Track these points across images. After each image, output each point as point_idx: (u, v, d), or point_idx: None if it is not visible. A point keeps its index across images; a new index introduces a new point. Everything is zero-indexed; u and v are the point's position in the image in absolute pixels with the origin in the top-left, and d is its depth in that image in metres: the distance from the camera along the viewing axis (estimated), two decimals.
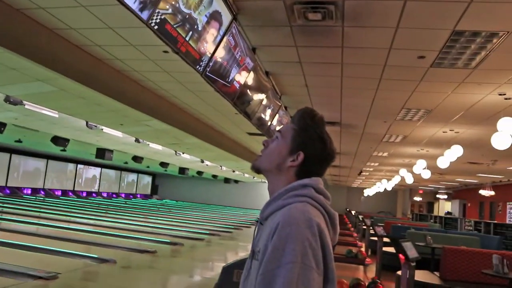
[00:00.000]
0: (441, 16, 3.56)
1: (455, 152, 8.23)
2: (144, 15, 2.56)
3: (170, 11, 2.77)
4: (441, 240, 7.86)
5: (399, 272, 5.78)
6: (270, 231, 1.14)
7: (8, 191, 19.97)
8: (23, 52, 4.29)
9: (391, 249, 8.45)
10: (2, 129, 10.00)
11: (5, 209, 13.79)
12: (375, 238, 9.90)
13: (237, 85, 4.47)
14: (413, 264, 4.36)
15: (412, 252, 4.30)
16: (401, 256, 4.53)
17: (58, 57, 4.77)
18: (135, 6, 2.48)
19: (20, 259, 6.52)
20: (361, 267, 8.40)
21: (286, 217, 1.13)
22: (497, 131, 5.82)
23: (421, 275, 5.88)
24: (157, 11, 2.65)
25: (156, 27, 2.70)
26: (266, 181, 1.36)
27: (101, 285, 6.00)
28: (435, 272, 6.43)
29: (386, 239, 8.33)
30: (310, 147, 1.28)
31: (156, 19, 2.67)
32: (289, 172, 1.29)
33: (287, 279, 1.04)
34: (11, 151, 19.73)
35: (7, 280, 5.30)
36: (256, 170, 1.35)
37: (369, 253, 9.85)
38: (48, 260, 6.90)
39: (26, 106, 7.76)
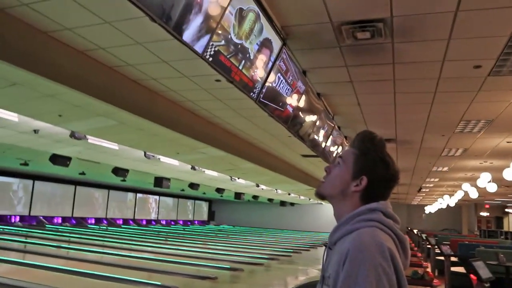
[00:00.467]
0: (495, 23, 3.45)
1: None
2: (199, 48, 2.67)
3: (223, 42, 2.88)
4: None
5: None
6: (340, 257, 1.14)
7: (74, 221, 20.97)
8: (86, 90, 4.58)
9: (459, 269, 8.02)
10: (68, 162, 10.58)
11: (72, 239, 14.46)
12: (442, 258, 9.46)
13: (290, 109, 4.51)
14: (487, 285, 4.12)
15: (484, 272, 4.07)
16: (472, 276, 4.29)
17: (117, 92, 5.04)
18: (190, 40, 2.60)
19: (86, 287, 6.78)
20: None
21: (357, 243, 1.13)
22: None
23: None
24: (211, 43, 2.76)
25: (210, 59, 2.81)
26: (328, 204, 1.36)
27: None
28: None
29: (453, 259, 7.93)
30: (373, 171, 1.28)
31: (211, 51, 2.78)
32: (353, 197, 1.28)
33: None
34: (76, 183, 20.80)
35: None
36: (320, 196, 1.35)
37: (436, 273, 9.39)
38: (112, 287, 7.13)
39: (89, 140, 8.20)
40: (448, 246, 7.66)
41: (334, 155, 7.57)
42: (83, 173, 15.12)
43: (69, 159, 10.52)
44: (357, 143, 1.34)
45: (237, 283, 8.96)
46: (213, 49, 2.79)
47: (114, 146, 9.04)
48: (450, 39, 3.75)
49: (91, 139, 8.21)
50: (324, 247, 1.34)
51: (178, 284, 7.33)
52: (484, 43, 3.83)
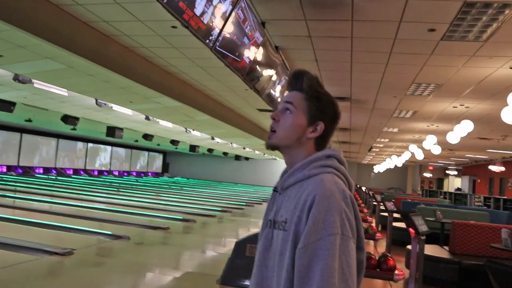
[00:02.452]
0: None
1: (465, 127, 8.15)
2: None
3: None
4: (451, 215, 7.86)
5: (409, 247, 5.82)
6: (300, 202, 1.15)
7: (20, 171, 20.26)
8: (30, 29, 4.29)
9: (401, 224, 8.49)
10: (12, 108, 10.07)
11: (18, 188, 14.02)
12: (386, 214, 9.96)
13: (247, 60, 4.45)
14: (423, 238, 4.38)
15: (422, 226, 4.32)
16: (411, 230, 4.55)
17: (65, 34, 4.76)
18: None
19: (36, 236, 6.66)
20: (372, 241, 8.44)
21: (323, 189, 1.13)
22: (508, 105, 5.73)
23: (430, 249, 5.91)
24: None
25: (165, 0, 2.68)
26: (283, 159, 1.33)
27: (116, 261, 6.12)
28: (445, 247, 6.46)
29: (396, 215, 8.37)
30: (326, 115, 1.27)
31: None
32: (308, 143, 1.27)
33: (330, 250, 1.07)
34: (22, 130, 19.92)
35: (24, 255, 5.43)
36: (273, 147, 1.30)
37: (380, 228, 9.91)
38: (62, 237, 7.05)
39: (35, 85, 7.79)
40: (392, 203, 8.05)
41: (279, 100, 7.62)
42: (29, 120, 14.46)
43: (13, 104, 10.01)
44: (306, 87, 1.28)
45: (189, 234, 9.09)
46: None
47: (63, 92, 8.65)
48: None
49: (38, 84, 7.80)
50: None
51: (129, 234, 7.34)
52: (440, 6, 3.88)
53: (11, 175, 19.02)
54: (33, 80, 7.56)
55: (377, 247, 8.09)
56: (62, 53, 5.10)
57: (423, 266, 4.44)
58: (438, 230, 7.31)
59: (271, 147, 1.30)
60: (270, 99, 6.36)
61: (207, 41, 3.45)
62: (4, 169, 19.65)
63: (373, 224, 9.10)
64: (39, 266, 5.28)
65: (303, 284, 1.08)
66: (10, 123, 17.38)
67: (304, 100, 1.27)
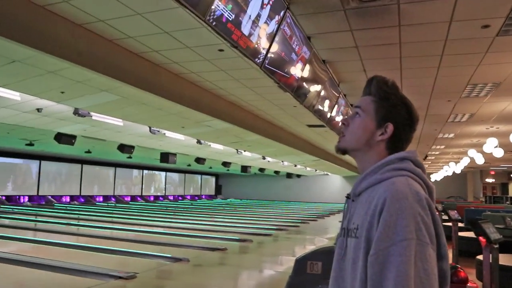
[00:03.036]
0: None
1: None
2: (200, 12, 2.60)
3: (226, 6, 2.80)
4: None
5: (479, 257, 5.49)
6: (371, 207, 1.10)
7: (82, 200, 21.21)
8: (87, 64, 4.53)
9: (466, 234, 8.06)
10: (73, 141, 10.61)
11: (81, 216, 14.64)
12: (449, 224, 9.50)
13: (295, 76, 4.45)
14: (496, 246, 4.12)
15: (494, 234, 4.07)
16: (481, 239, 4.29)
17: (118, 66, 4.98)
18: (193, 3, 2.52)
19: (100, 261, 6.88)
20: None
21: (393, 192, 1.07)
22: None
23: (504, 259, 5.54)
24: (214, 7, 2.69)
25: (214, 23, 2.74)
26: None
27: (176, 283, 6.19)
28: None
29: (460, 224, 7.96)
30: (396, 116, 1.22)
31: (214, 15, 2.71)
32: (379, 146, 1.23)
33: (404, 257, 1.00)
34: (82, 162, 20.94)
35: (90, 280, 5.61)
36: (343, 151, 1.28)
37: None
38: (125, 261, 7.24)
39: (93, 117, 8.18)
40: (455, 212, 7.67)
41: (340, 123, 7.53)
42: (89, 151, 15.17)
43: (74, 137, 10.54)
44: (374, 90, 1.26)
45: (246, 254, 9.07)
46: (216, 14, 2.72)
47: (118, 122, 9.02)
48: None
49: (95, 116, 8.18)
50: (346, 199, 1.29)
51: (189, 256, 7.43)
52: (493, 1, 3.72)
53: (74, 204, 19.93)
54: (91, 113, 7.95)
55: None
56: (116, 85, 5.33)
57: (498, 277, 4.17)
58: (509, 238, 6.87)
59: (340, 150, 1.29)
60: (320, 114, 6.30)
61: (256, 59, 3.49)
62: (68, 199, 20.65)
63: None
64: None
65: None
66: (71, 155, 18.32)
67: (372, 103, 1.25)
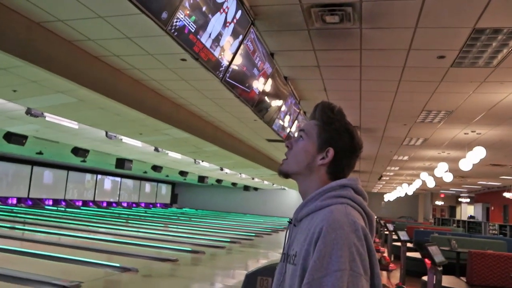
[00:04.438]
0: (460, 14, 3.51)
1: (478, 154, 8.06)
2: (163, 21, 2.57)
3: (189, 17, 2.78)
4: (466, 244, 7.69)
5: (424, 278, 5.65)
6: (309, 235, 1.09)
7: (30, 202, 20.30)
8: (43, 64, 4.36)
9: (414, 254, 8.30)
10: (24, 141, 10.17)
11: (27, 220, 14.00)
12: (398, 244, 9.76)
13: (256, 91, 4.46)
14: (440, 268, 4.26)
15: (438, 256, 4.20)
16: (427, 260, 4.43)
17: (77, 68, 4.83)
18: (155, 12, 2.49)
19: (44, 269, 6.59)
20: (385, 273, 8.27)
21: (330, 221, 1.07)
22: None
23: (447, 280, 5.73)
24: (176, 17, 2.66)
25: (175, 33, 2.71)
26: (291, 190, 1.30)
27: None
28: (461, 277, 6.27)
29: (409, 244, 8.19)
30: (338, 141, 1.23)
31: (176, 25, 2.68)
32: (320, 170, 1.23)
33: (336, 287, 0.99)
34: (33, 163, 20.09)
35: None
36: (284, 175, 1.28)
37: (392, 258, 9.69)
38: (70, 269, 6.96)
39: (46, 118, 7.88)
40: (405, 232, 7.89)
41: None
42: (40, 153, 14.58)
43: (25, 137, 10.11)
44: (318, 114, 1.27)
45: (198, 265, 8.95)
46: (178, 24, 2.69)
47: (73, 124, 8.73)
48: (417, 27, 3.78)
49: (49, 117, 7.89)
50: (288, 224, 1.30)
51: (137, 266, 7.24)
52: (449, 33, 3.89)
53: (21, 207, 19.05)
54: (45, 114, 7.65)
55: (391, 279, 7.89)
56: (73, 87, 5.16)
57: None
58: (453, 260, 7.12)
59: (282, 174, 1.29)
60: (280, 129, 6.35)
61: (217, 72, 3.47)
62: (15, 201, 19.70)
63: (386, 254, 8.91)
64: None
65: None
66: (21, 156, 17.54)
67: (316, 127, 1.26)
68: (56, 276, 5.98)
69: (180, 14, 2.67)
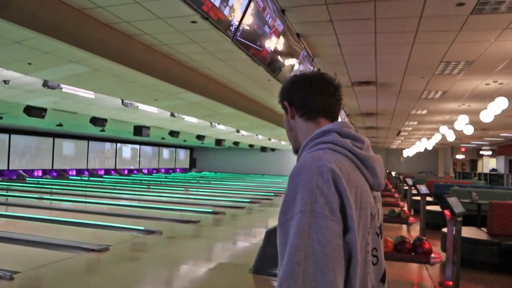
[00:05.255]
0: None
1: (500, 104, 7.87)
2: None
3: None
4: (487, 196, 7.64)
5: (444, 229, 5.69)
6: None
7: (55, 174, 20.84)
8: (55, 34, 4.36)
9: (434, 208, 8.32)
10: (43, 114, 10.34)
11: (53, 190, 14.42)
12: (417, 198, 9.77)
13: (268, 49, 4.40)
14: (460, 219, 4.27)
15: (458, 207, 4.20)
16: (446, 212, 4.43)
17: (88, 37, 4.83)
18: None
19: (72, 235, 6.84)
20: (405, 226, 8.33)
21: (297, 167, 1.09)
22: None
23: (467, 231, 5.76)
24: None
25: None
26: None
27: (150, 255, 6.22)
28: (482, 228, 6.29)
29: (429, 198, 8.19)
30: (292, 91, 1.28)
31: None
32: (298, 125, 1.28)
33: (298, 229, 1.00)
34: (54, 135, 20.47)
35: (63, 253, 5.58)
36: (295, 151, 1.31)
37: (412, 213, 9.73)
38: (98, 234, 7.21)
39: (63, 90, 7.96)
40: (424, 186, 7.87)
41: None
42: (60, 125, 14.82)
43: (44, 110, 10.27)
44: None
45: (219, 226, 9.15)
46: None
47: (90, 94, 8.81)
48: None
49: (66, 88, 7.97)
50: None
51: (162, 228, 7.45)
52: None
53: (47, 178, 19.59)
54: (61, 85, 7.73)
55: (411, 232, 7.95)
56: (87, 56, 5.17)
57: (461, 248, 4.33)
58: (474, 212, 7.12)
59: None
60: None
61: (228, 32, 3.42)
62: (40, 173, 20.25)
63: (405, 209, 8.95)
64: (78, 262, 5.42)
65: (280, 264, 1.04)
66: (42, 129, 17.87)
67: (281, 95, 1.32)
68: (85, 241, 6.21)
69: None
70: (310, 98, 1.24)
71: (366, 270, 1.11)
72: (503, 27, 4.85)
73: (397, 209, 6.81)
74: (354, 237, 1.05)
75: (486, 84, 7.94)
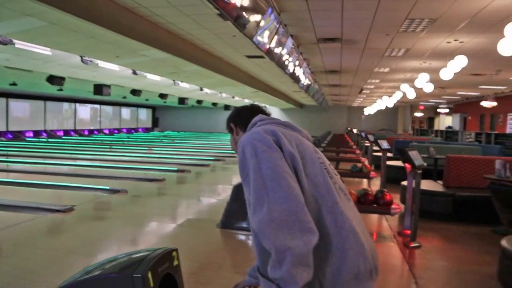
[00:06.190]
0: None
1: (460, 62, 8.07)
2: None
3: None
4: (443, 151, 7.98)
5: (404, 183, 5.94)
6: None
7: (10, 136, 20.04)
8: None
9: (393, 163, 8.65)
10: None
11: (10, 152, 13.91)
12: (378, 154, 10.09)
13: (236, 3, 4.29)
14: (420, 171, 4.46)
15: (418, 160, 4.38)
16: (407, 165, 4.62)
17: None
18: None
19: (35, 196, 6.71)
20: (366, 180, 8.65)
21: (240, 141, 1.41)
22: (504, 37, 5.65)
23: (425, 184, 6.03)
24: None
25: None
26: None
27: (116, 213, 6.21)
28: (438, 181, 6.61)
29: (388, 154, 8.48)
30: (233, 118, 1.70)
31: None
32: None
33: (253, 171, 1.28)
34: (8, 95, 19.52)
35: (26, 215, 5.48)
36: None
37: (373, 168, 10.08)
38: (61, 195, 7.11)
39: (16, 45, 7.54)
40: (385, 141, 8.12)
41: (279, 55, 7.49)
42: (14, 84, 14.08)
43: None
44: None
45: (185, 183, 9.20)
46: None
47: (46, 51, 8.39)
48: None
49: (19, 44, 7.54)
50: None
51: (126, 187, 7.40)
52: None
53: (1, 140, 18.83)
54: (14, 41, 7.31)
55: (372, 186, 8.27)
56: (43, 9, 4.87)
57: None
58: (431, 166, 7.44)
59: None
60: (260, 44, 6.21)
61: None
62: None
63: (366, 163, 9.24)
64: (42, 223, 5.35)
65: (249, 213, 1.33)
66: None
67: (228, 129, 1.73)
68: (48, 202, 6.10)
69: None
70: (248, 118, 1.60)
71: (323, 172, 1.39)
72: None
73: (359, 164, 7.04)
74: (290, 153, 1.34)
75: (448, 42, 8.10)
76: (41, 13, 5.18)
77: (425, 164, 4.56)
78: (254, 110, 1.67)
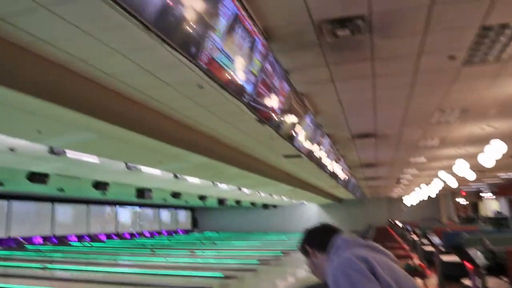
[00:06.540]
0: (467, 14, 3.60)
1: (498, 148, 8.00)
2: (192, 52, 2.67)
3: (211, 46, 2.89)
4: (498, 242, 7.54)
5: (467, 282, 5.56)
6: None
7: (55, 240, 20.44)
8: (67, 104, 4.47)
9: (448, 258, 8.16)
10: (46, 179, 10.31)
11: (55, 258, 14.08)
12: (429, 248, 9.59)
13: (277, 110, 4.55)
14: (484, 272, 4.22)
15: (480, 260, 4.18)
16: (467, 264, 4.39)
17: (99, 105, 4.94)
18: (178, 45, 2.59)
19: None
20: (419, 279, 8.13)
21: (329, 272, 1.59)
22: None
23: (489, 282, 5.65)
24: (202, 48, 2.77)
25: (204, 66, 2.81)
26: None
27: None
28: (504, 278, 6.15)
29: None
30: (307, 242, 1.87)
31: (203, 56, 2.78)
32: (321, 259, 1.79)
33: None
34: (53, 200, 20.27)
35: None
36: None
37: (426, 264, 9.55)
38: None
39: (68, 155, 8.03)
40: (436, 236, 7.78)
41: (315, 153, 7.64)
42: (61, 190, 14.72)
43: (46, 175, 10.26)
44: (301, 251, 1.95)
45: None
46: (205, 54, 2.80)
47: (94, 159, 8.88)
48: (426, 32, 3.87)
49: (70, 154, 8.04)
50: None
51: None
52: (457, 34, 3.97)
53: (47, 245, 19.19)
54: (66, 151, 7.80)
55: (428, 285, 7.75)
56: (96, 124, 5.26)
57: None
58: (488, 260, 7.00)
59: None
60: (296, 145, 6.40)
61: (243, 98, 3.57)
62: (40, 240, 19.86)
63: (418, 261, 8.80)
64: None
65: None
66: (42, 194, 17.70)
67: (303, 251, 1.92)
68: None
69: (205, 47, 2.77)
70: (324, 240, 1.76)
71: None
72: (492, 75, 5.08)
73: (411, 263, 6.72)
74: (385, 281, 1.47)
75: (481, 129, 8.11)
76: (94, 127, 5.59)
77: (488, 262, 4.33)
78: (327, 230, 1.79)
